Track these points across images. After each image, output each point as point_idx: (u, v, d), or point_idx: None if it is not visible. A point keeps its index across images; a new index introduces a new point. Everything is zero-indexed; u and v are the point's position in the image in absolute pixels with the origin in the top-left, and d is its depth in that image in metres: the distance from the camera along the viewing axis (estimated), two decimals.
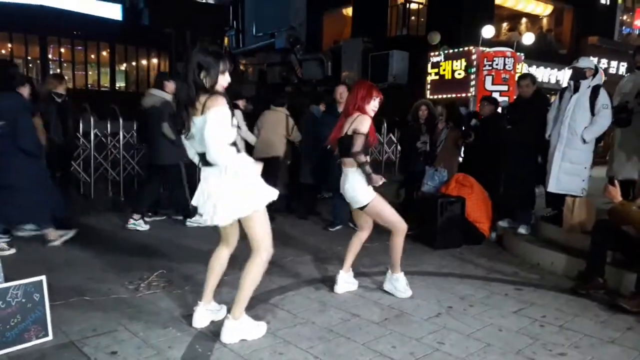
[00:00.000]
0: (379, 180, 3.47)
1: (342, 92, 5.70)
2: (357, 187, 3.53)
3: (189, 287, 3.79)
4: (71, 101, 6.29)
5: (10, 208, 4.51)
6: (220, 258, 3.10)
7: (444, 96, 11.16)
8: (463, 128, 6.65)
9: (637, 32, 21.25)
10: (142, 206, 5.73)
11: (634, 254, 3.77)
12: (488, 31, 11.49)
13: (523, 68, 11.05)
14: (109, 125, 7.88)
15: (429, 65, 11.91)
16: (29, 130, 4.48)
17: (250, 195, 2.77)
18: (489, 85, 10.29)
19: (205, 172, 2.83)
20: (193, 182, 4.31)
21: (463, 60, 11.01)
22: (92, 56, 20.71)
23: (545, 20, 19.60)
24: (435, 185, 5.98)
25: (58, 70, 19.01)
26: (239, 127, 2.78)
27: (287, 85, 17.58)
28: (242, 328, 2.92)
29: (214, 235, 3.18)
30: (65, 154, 6.32)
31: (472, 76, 10.76)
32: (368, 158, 3.55)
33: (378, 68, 15.68)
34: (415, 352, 2.87)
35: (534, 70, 15.32)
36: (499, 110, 6.76)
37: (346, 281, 3.84)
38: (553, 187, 4.95)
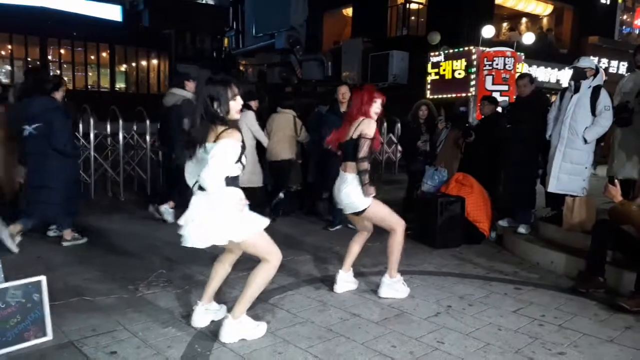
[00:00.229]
0: (373, 192, 3.51)
1: (344, 92, 5.71)
2: (354, 193, 3.53)
3: (188, 286, 3.79)
4: (71, 103, 6.28)
5: (45, 207, 4.66)
6: (225, 263, 3.13)
7: (444, 96, 11.17)
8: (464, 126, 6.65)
9: (637, 32, 21.24)
10: (173, 197, 5.71)
11: (634, 254, 3.77)
12: (488, 31, 11.50)
13: (523, 68, 11.06)
14: (108, 126, 7.90)
15: (429, 65, 11.93)
16: (62, 131, 4.62)
17: (235, 225, 2.75)
18: (489, 85, 10.30)
19: (197, 195, 2.81)
20: None
21: (463, 60, 11.02)
22: (92, 57, 20.66)
23: (545, 20, 19.57)
24: (435, 185, 5.97)
25: (58, 72, 19.00)
26: (242, 161, 2.79)
27: (287, 86, 17.54)
28: (241, 328, 2.92)
29: None
30: None
31: (472, 76, 10.77)
32: (369, 166, 3.57)
33: (378, 68, 15.65)
34: (414, 352, 2.88)
35: (534, 70, 15.32)
36: (499, 109, 6.77)
37: (346, 281, 3.84)
38: (553, 187, 4.95)
